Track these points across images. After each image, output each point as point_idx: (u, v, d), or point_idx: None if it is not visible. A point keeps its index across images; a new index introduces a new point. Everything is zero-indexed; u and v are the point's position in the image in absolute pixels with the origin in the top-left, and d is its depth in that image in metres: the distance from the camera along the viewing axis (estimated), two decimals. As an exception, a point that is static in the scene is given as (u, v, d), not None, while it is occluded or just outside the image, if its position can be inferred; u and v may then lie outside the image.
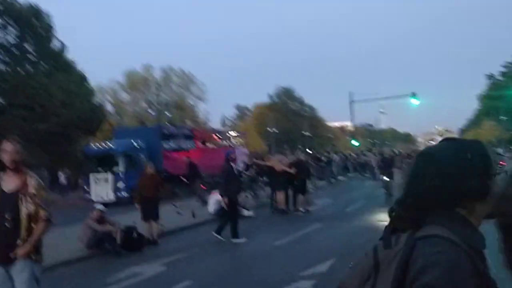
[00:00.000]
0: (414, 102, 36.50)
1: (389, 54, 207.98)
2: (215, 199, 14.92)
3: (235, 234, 10.82)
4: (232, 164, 11.25)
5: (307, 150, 35.65)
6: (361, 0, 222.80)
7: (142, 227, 10.98)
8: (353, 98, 42.41)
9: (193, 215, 14.44)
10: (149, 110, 40.12)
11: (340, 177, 31.77)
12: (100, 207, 10.63)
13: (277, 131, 67.40)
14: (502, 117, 66.60)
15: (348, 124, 68.81)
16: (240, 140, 31.92)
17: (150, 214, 10.98)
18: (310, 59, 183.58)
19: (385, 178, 17.52)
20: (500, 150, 33.94)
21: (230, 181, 10.96)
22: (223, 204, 14.48)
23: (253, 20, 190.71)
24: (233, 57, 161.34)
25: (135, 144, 23.16)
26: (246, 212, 14.33)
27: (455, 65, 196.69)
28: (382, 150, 21.11)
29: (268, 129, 65.68)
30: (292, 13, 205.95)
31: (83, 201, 21.57)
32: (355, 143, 44.77)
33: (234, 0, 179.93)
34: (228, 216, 11.07)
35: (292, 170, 15.17)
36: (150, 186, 11.07)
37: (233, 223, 10.95)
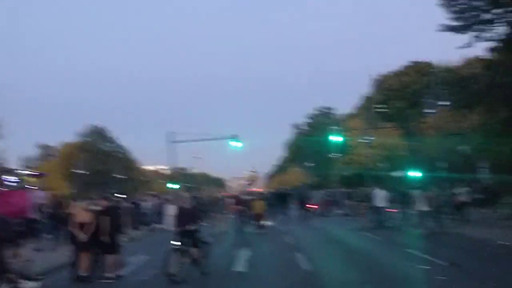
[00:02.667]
0: (236, 144, 35.82)
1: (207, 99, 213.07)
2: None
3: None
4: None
5: (121, 194, 31.95)
6: (176, 43, 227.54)
7: None
8: (172, 140, 40.21)
9: None
10: None
11: (156, 225, 28.41)
12: None
13: (86, 173, 61.40)
14: (307, 163, 71.23)
15: (162, 167, 66.42)
16: (35, 180, 27.65)
17: None
18: (124, 99, 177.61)
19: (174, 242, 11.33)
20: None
21: None
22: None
23: (59, 57, 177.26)
24: (39, 91, 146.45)
25: None
26: (29, 284, 10.20)
27: (263, 113, 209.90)
28: (200, 193, 18.32)
29: (75, 170, 59.41)
30: (107, 52, 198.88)
31: None
32: (172, 186, 42.21)
33: (42, 34, 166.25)
34: None
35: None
36: None
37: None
